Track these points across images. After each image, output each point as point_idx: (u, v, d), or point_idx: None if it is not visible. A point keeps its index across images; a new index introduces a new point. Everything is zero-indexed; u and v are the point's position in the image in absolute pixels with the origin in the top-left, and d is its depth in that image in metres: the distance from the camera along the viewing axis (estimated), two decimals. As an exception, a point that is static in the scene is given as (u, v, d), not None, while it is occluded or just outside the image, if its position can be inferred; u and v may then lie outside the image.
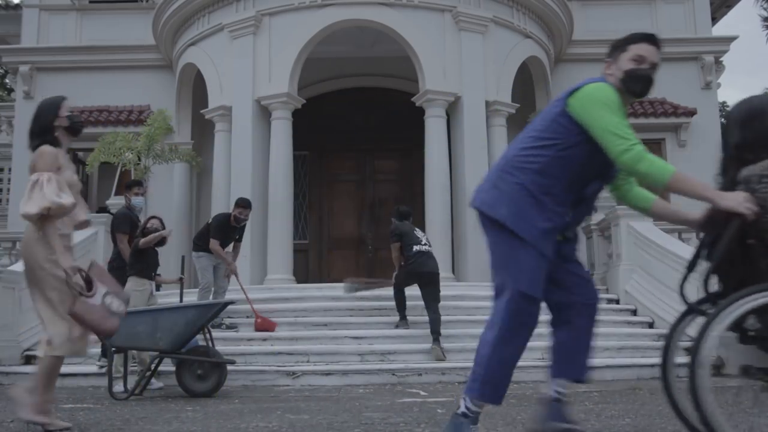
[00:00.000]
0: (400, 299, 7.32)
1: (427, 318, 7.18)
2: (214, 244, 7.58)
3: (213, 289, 7.79)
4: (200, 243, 7.84)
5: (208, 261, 7.73)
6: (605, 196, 2.79)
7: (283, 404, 4.73)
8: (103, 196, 12.32)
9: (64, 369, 6.65)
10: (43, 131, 3.49)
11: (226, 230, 7.74)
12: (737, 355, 6.68)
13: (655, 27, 13.07)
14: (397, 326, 7.28)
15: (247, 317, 7.75)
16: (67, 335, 3.30)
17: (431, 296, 7.00)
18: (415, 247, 7.17)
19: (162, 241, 6.47)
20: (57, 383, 6.31)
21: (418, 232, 7.43)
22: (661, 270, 8.28)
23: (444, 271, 9.33)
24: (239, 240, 8.03)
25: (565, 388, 2.74)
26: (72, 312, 3.23)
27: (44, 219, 3.27)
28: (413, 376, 6.21)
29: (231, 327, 7.56)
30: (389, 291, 7.52)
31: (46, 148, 3.41)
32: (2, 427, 3.77)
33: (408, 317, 7.33)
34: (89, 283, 3.31)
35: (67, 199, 3.30)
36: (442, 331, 7.04)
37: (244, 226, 7.97)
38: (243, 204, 7.80)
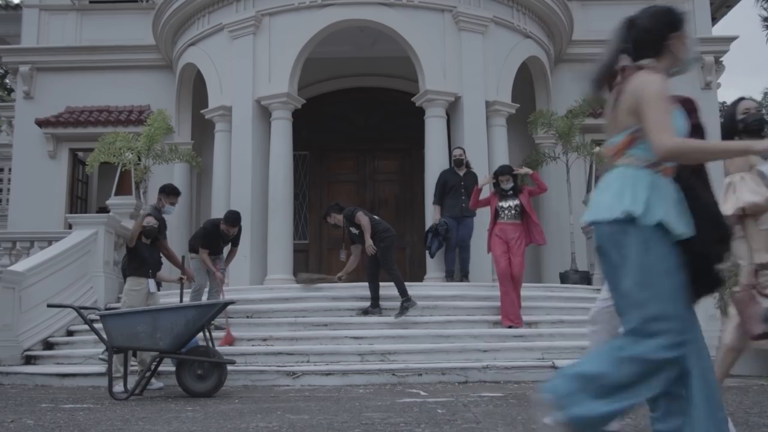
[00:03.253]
0: (375, 288, 7.73)
1: (424, 317, 7.48)
2: (202, 253, 7.65)
3: (206, 289, 7.78)
4: (194, 245, 7.90)
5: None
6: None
7: (283, 404, 4.73)
8: (103, 196, 12.32)
9: (63, 369, 6.71)
10: (725, 135, 3.64)
11: (215, 238, 7.75)
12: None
13: (655, 27, 13.08)
14: (367, 312, 7.60)
15: (247, 317, 7.75)
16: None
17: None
18: (382, 222, 7.89)
19: (153, 234, 6.40)
20: (57, 383, 6.38)
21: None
22: (661, 270, 8.26)
23: (443, 272, 9.36)
24: (235, 245, 8.00)
25: None
26: (734, 298, 3.36)
27: (742, 218, 3.42)
28: (413, 376, 6.21)
29: (219, 328, 7.27)
30: (392, 291, 7.53)
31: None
32: (2, 427, 3.77)
33: (406, 316, 7.35)
34: None
35: (761, 196, 3.39)
36: (442, 331, 7.09)
37: (239, 233, 7.95)
38: (228, 222, 7.68)
